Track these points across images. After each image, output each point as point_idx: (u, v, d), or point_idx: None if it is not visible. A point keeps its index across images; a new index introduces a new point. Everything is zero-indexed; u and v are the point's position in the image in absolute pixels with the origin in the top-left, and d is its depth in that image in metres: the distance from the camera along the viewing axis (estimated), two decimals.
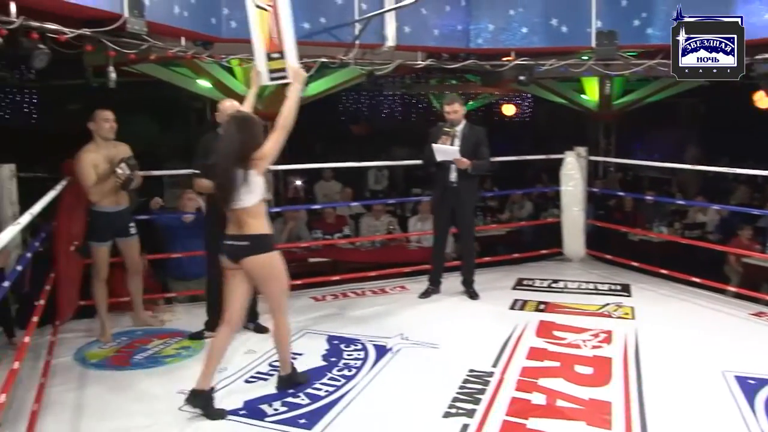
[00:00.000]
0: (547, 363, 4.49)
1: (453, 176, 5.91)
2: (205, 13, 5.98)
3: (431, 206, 6.73)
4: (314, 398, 3.99)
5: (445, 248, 6.43)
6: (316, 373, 4.36)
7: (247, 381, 4.27)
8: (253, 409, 3.86)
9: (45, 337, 5.01)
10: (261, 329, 5.21)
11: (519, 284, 6.58)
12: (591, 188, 8.01)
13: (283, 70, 4.79)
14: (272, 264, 3.91)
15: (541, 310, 5.70)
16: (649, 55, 6.80)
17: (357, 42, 6.54)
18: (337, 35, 6.58)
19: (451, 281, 6.33)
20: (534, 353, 4.67)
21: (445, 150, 5.76)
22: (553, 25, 6.91)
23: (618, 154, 14.22)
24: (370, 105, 19.86)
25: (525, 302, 5.94)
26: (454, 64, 7.49)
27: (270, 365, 4.50)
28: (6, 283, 3.80)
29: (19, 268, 4.19)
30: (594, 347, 4.77)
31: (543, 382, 4.15)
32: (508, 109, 19.18)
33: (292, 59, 4.73)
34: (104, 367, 4.62)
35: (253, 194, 3.80)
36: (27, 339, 4.01)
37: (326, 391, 4.09)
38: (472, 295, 6.12)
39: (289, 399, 3.98)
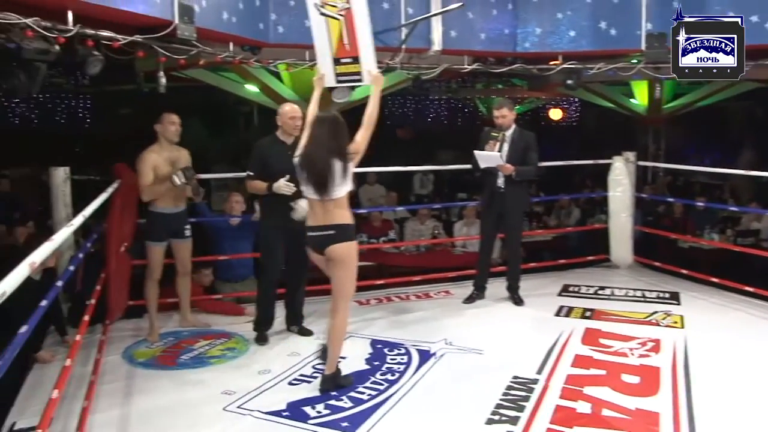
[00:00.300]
0: (593, 371, 4.42)
1: (500, 181, 5.86)
2: (253, 18, 6.07)
3: (478, 211, 6.68)
4: (357, 401, 4.00)
5: (491, 253, 6.39)
6: (360, 377, 4.36)
7: (290, 383, 4.30)
8: (295, 411, 3.88)
9: (96, 336, 5.12)
10: (305, 332, 5.26)
11: (565, 291, 6.50)
12: (639, 194, 7.86)
13: (353, 74, 4.93)
14: (351, 253, 4.13)
15: (588, 317, 5.61)
16: None
17: (403, 46, 6.55)
18: (384, 40, 6.59)
19: (496, 287, 6.28)
20: (579, 361, 4.60)
21: (488, 156, 5.73)
22: (602, 28, 6.82)
23: (668, 159, 13.95)
24: (416, 109, 19.86)
25: (571, 309, 5.86)
26: (500, 68, 7.45)
27: (313, 368, 4.53)
28: (59, 283, 3.91)
29: (72, 268, 4.30)
30: (641, 356, 4.67)
31: (588, 390, 4.08)
32: (555, 114, 19.00)
33: (370, 64, 4.81)
34: (151, 366, 4.71)
35: (346, 185, 4.10)
36: (78, 338, 4.10)
37: (369, 394, 4.10)
38: (517, 301, 6.06)
39: (332, 402, 3.99)
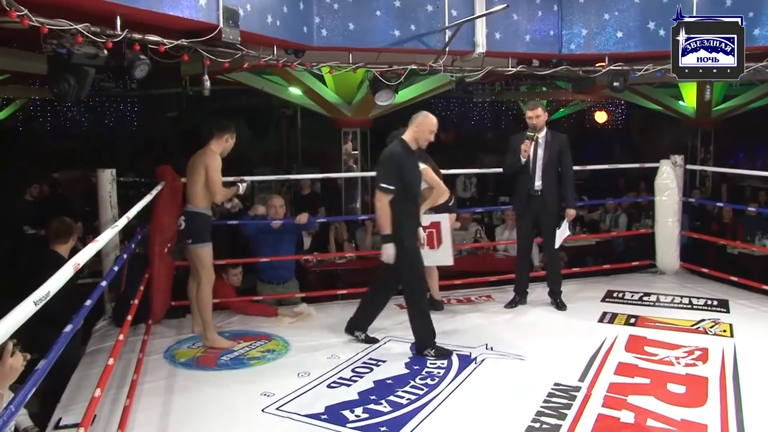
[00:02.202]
0: (637, 380, 4.32)
1: (537, 184, 5.80)
2: (297, 22, 6.10)
3: (515, 214, 6.60)
4: (396, 406, 3.97)
5: (529, 257, 6.30)
6: (399, 381, 4.35)
7: (329, 386, 4.30)
8: (334, 414, 3.87)
9: (138, 335, 5.19)
10: (371, 339, 5.17)
11: (608, 296, 6.38)
12: (687, 198, 7.68)
13: None
14: None
15: (632, 324, 5.50)
16: (756, 57, 6.47)
17: (447, 49, 6.52)
18: (427, 42, 6.58)
19: (538, 292, 6.21)
20: (623, 369, 4.50)
21: (562, 234, 5.91)
22: (650, 28, 6.69)
23: (717, 163, 13.64)
24: (459, 112, 19.78)
25: (615, 315, 5.75)
26: (545, 71, 7.36)
27: (353, 371, 4.53)
28: (103, 283, 3.98)
29: (116, 268, 4.37)
30: (688, 365, 4.55)
31: (632, 399, 3.99)
32: (600, 117, 18.72)
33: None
34: (192, 367, 4.75)
35: None
36: (122, 337, 4.17)
37: (408, 399, 4.07)
38: (560, 306, 5.97)
39: (371, 406, 3.98)
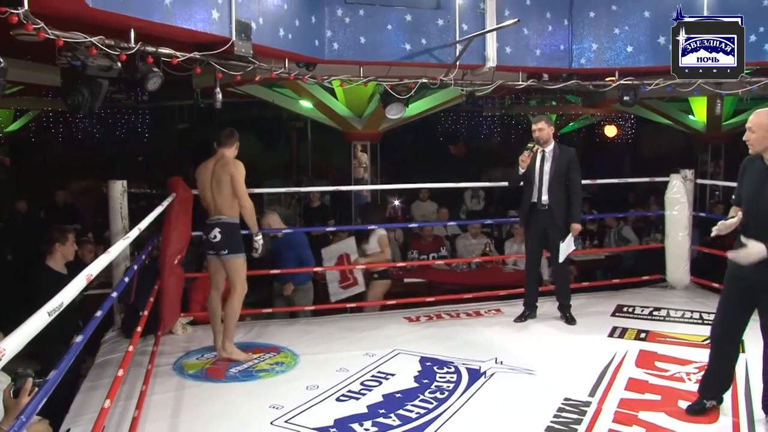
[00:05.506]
0: (647, 396, 4.29)
1: (544, 198, 5.79)
2: (309, 35, 6.14)
3: (521, 227, 6.60)
4: (405, 420, 3.96)
5: (537, 271, 6.27)
6: (408, 395, 4.33)
7: (338, 399, 4.29)
8: (343, 427, 3.86)
9: (148, 347, 5.19)
10: None
11: (618, 311, 6.34)
12: (698, 213, 7.65)
13: None
14: None
15: (642, 339, 5.47)
16: (766, 72, 6.47)
17: (457, 63, 6.54)
18: (438, 56, 6.61)
19: (548, 306, 6.18)
20: (633, 384, 4.47)
21: (567, 247, 5.82)
22: (661, 43, 6.70)
23: (727, 178, 13.58)
24: (469, 126, 19.78)
25: (624, 330, 5.71)
26: (555, 85, 7.37)
27: (362, 384, 4.52)
28: (114, 294, 3.99)
29: (126, 279, 4.39)
30: (699, 381, 4.50)
31: (643, 415, 3.97)
32: (610, 131, 18.71)
33: None
34: (200, 378, 4.75)
35: None
36: (131, 348, 4.17)
37: (417, 413, 4.05)
38: (569, 320, 5.94)
39: (380, 419, 3.96)
